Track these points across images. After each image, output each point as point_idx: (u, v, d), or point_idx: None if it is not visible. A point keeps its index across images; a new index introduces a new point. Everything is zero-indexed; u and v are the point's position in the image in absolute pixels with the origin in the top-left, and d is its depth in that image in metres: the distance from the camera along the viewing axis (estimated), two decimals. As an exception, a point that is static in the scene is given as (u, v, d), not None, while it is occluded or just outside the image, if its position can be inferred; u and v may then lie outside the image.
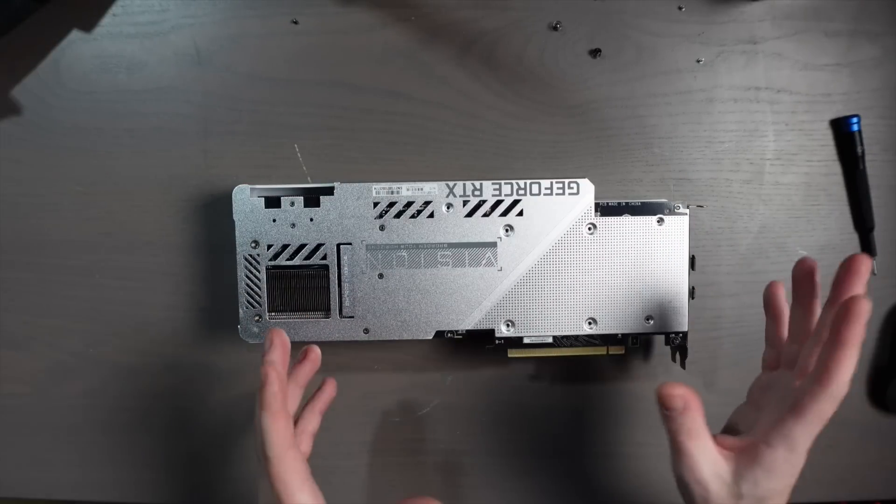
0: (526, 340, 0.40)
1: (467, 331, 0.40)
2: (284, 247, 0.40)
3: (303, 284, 0.40)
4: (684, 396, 0.31)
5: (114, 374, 0.45)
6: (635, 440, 0.45)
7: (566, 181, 0.40)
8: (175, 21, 0.43)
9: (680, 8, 0.43)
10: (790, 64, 0.43)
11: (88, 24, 0.43)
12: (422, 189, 0.40)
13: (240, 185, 0.40)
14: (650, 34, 0.43)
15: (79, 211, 0.44)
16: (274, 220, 0.40)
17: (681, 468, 0.31)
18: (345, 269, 0.40)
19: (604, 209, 0.40)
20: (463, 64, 0.43)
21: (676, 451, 0.31)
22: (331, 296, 0.40)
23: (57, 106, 0.43)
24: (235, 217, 0.40)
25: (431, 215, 0.40)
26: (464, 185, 0.40)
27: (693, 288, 0.41)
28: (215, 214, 0.44)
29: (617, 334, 0.41)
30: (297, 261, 0.40)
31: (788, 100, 0.44)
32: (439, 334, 0.40)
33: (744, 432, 0.33)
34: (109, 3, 0.43)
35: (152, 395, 0.45)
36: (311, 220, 0.40)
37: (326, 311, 0.40)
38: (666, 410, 0.31)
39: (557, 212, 0.40)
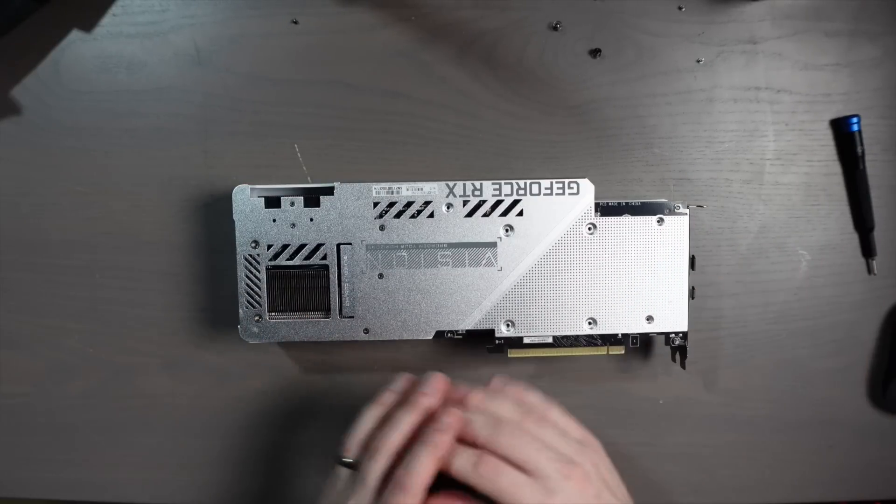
0: (526, 340, 0.40)
1: (467, 331, 0.40)
2: (284, 247, 0.40)
3: (303, 284, 0.40)
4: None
5: (114, 374, 0.45)
6: (635, 440, 0.45)
7: (566, 181, 0.40)
8: (175, 21, 0.43)
9: (680, 8, 0.43)
10: (790, 64, 0.43)
11: (88, 24, 0.43)
12: (422, 189, 0.40)
13: (240, 185, 0.40)
14: (650, 34, 0.43)
15: (79, 211, 0.44)
16: (274, 220, 0.40)
17: None
18: (345, 269, 0.40)
19: (604, 209, 0.40)
20: (463, 64, 0.43)
21: None
22: (331, 296, 0.40)
23: (57, 106, 0.43)
24: (235, 217, 0.40)
25: (431, 215, 0.40)
26: (464, 185, 0.40)
27: (693, 288, 0.41)
28: (215, 214, 0.44)
29: (617, 334, 0.41)
30: (297, 261, 0.40)
31: (788, 100, 0.44)
32: (439, 334, 0.40)
33: None
34: (109, 3, 0.43)
35: (152, 395, 0.45)
36: (311, 220, 0.40)
37: (326, 311, 0.40)
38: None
39: (557, 212, 0.40)
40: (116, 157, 0.44)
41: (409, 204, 0.40)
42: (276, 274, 0.40)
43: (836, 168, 0.44)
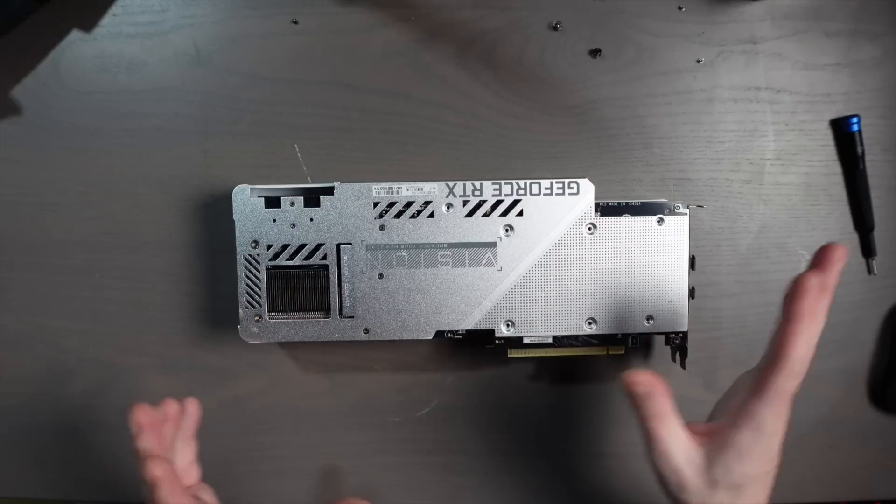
0: (526, 340, 0.40)
1: (467, 331, 0.40)
2: (284, 247, 0.40)
3: (303, 284, 0.40)
4: (647, 382, 0.31)
5: (114, 374, 0.45)
6: (635, 440, 0.45)
7: (566, 181, 0.40)
8: (175, 21, 0.43)
9: (680, 8, 0.43)
10: (790, 64, 0.43)
11: (88, 24, 0.43)
12: (422, 189, 0.40)
13: (240, 185, 0.40)
14: (650, 34, 0.43)
15: (79, 211, 0.44)
16: (274, 220, 0.40)
17: (655, 456, 0.31)
18: (345, 269, 0.40)
19: (604, 209, 0.40)
20: (463, 64, 0.43)
21: (648, 439, 0.31)
22: (331, 296, 0.40)
23: (57, 106, 0.43)
24: (235, 217, 0.40)
25: (431, 215, 0.40)
26: (464, 185, 0.40)
27: (693, 288, 0.41)
28: (215, 214, 0.44)
29: (617, 334, 0.41)
30: (297, 261, 0.40)
31: (788, 100, 0.44)
32: (439, 334, 0.40)
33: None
34: (109, 3, 0.43)
35: (152, 395, 0.45)
36: (311, 220, 0.40)
37: (326, 311, 0.40)
38: (632, 397, 0.31)
39: (557, 212, 0.40)
40: (116, 157, 0.44)
41: (409, 204, 0.40)
42: (276, 274, 0.40)
43: (836, 168, 0.44)
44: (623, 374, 0.31)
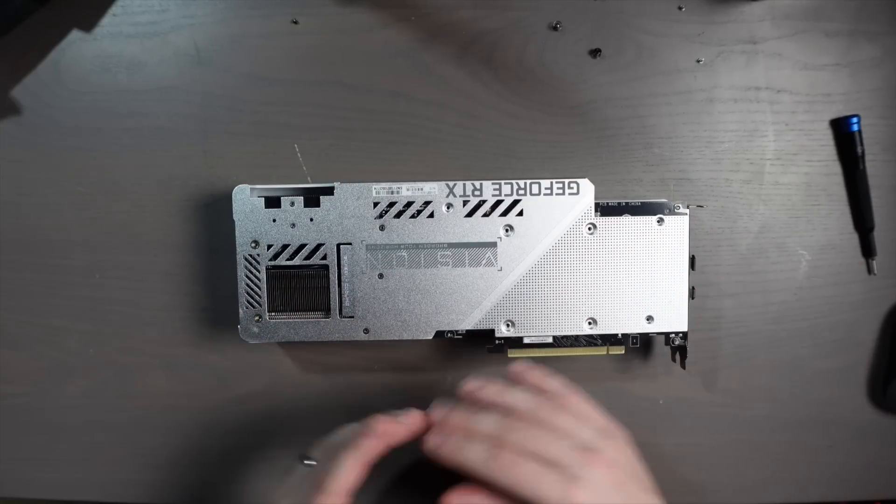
0: (526, 340, 0.40)
1: (467, 331, 0.40)
2: (284, 247, 0.40)
3: (303, 284, 0.40)
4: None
5: (114, 374, 0.45)
6: (635, 440, 0.45)
7: (566, 181, 0.40)
8: (175, 21, 0.43)
9: (680, 8, 0.43)
10: (790, 64, 0.43)
11: (88, 24, 0.43)
12: (422, 189, 0.40)
13: (240, 185, 0.40)
14: (650, 34, 0.43)
15: (79, 211, 0.44)
16: (274, 220, 0.40)
17: None
18: (345, 269, 0.40)
19: (604, 209, 0.40)
20: (463, 64, 0.43)
21: None
22: (331, 296, 0.40)
23: (57, 106, 0.43)
24: (235, 217, 0.40)
25: (431, 215, 0.40)
26: (464, 185, 0.40)
27: (693, 288, 0.41)
28: (215, 214, 0.44)
29: (617, 334, 0.41)
30: (297, 261, 0.40)
31: (788, 100, 0.44)
32: (439, 334, 0.40)
33: None
34: (109, 3, 0.43)
35: (152, 395, 0.45)
36: (311, 220, 0.40)
37: (326, 311, 0.40)
38: None
39: (557, 212, 0.40)
40: (116, 157, 0.44)
41: (409, 204, 0.40)
42: (276, 274, 0.40)
43: (836, 168, 0.44)
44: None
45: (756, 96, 0.44)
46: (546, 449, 0.31)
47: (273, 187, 0.40)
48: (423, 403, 0.45)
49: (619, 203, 0.40)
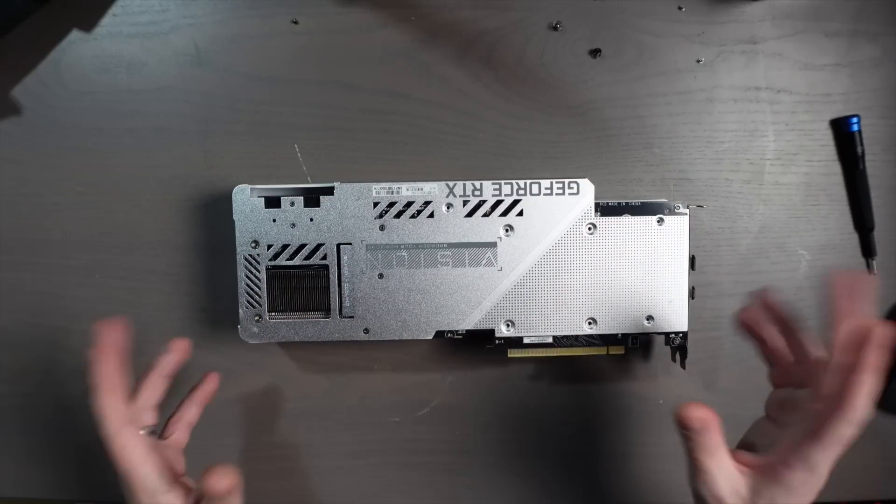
0: (526, 340, 0.40)
1: (467, 331, 0.40)
2: (284, 247, 0.40)
3: (303, 284, 0.40)
4: (703, 418, 0.31)
5: (114, 374, 0.45)
6: (635, 440, 0.45)
7: (566, 181, 0.40)
8: (175, 21, 0.43)
9: (680, 8, 0.43)
10: (790, 64, 0.43)
11: (88, 24, 0.43)
12: (422, 189, 0.40)
13: (240, 185, 0.40)
14: (650, 34, 0.43)
15: (79, 211, 0.44)
16: (274, 220, 0.40)
17: (698, 484, 0.32)
18: (345, 269, 0.40)
19: (604, 209, 0.40)
20: (463, 64, 0.43)
21: (694, 468, 0.32)
22: (331, 296, 0.40)
23: (57, 106, 0.43)
24: (235, 217, 0.40)
25: (431, 215, 0.40)
26: (464, 185, 0.40)
27: (693, 288, 0.41)
28: (215, 214, 0.44)
29: (617, 334, 0.41)
30: (297, 261, 0.40)
31: (788, 100, 0.44)
32: (439, 334, 0.40)
33: (761, 449, 0.33)
34: (109, 3, 0.43)
35: (152, 395, 0.45)
36: (311, 220, 0.40)
37: (326, 311, 0.40)
38: (685, 431, 0.31)
39: (557, 212, 0.40)
40: (116, 157, 0.44)
41: (409, 204, 0.40)
42: (276, 274, 0.40)
43: (836, 168, 0.44)
44: (678, 406, 0.32)
45: (756, 96, 0.44)
46: None
47: (273, 187, 0.40)
48: (423, 403, 0.45)
49: (619, 203, 0.40)
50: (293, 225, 0.40)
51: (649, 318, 0.40)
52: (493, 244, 0.40)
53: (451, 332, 0.40)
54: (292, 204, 0.40)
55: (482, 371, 0.45)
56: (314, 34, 0.43)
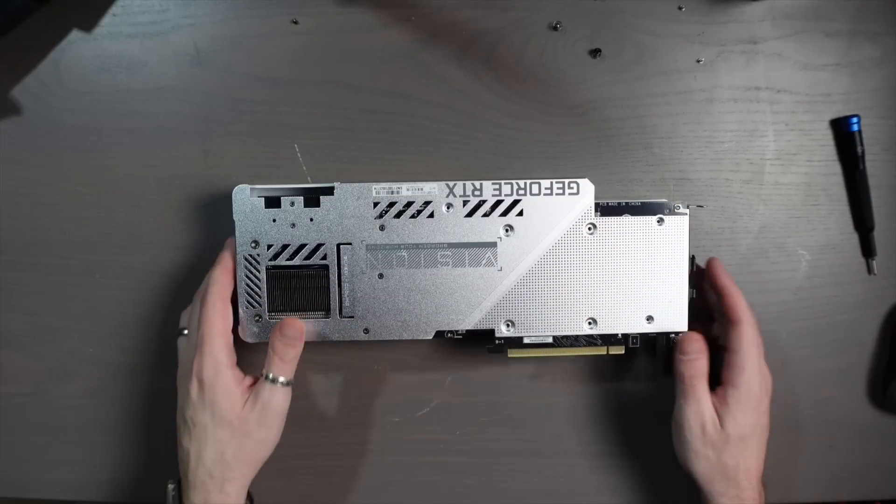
0: (526, 340, 0.40)
1: (467, 331, 0.40)
2: (284, 247, 0.40)
3: (303, 284, 0.40)
4: (700, 349, 0.38)
5: (114, 374, 0.45)
6: (635, 440, 0.45)
7: (566, 181, 0.40)
8: (175, 21, 0.43)
9: (680, 8, 0.43)
10: (790, 64, 0.43)
11: (88, 24, 0.43)
12: (422, 189, 0.40)
13: (240, 185, 0.40)
14: (650, 34, 0.43)
15: (79, 211, 0.44)
16: (274, 220, 0.40)
17: (686, 412, 0.38)
18: (345, 269, 0.40)
19: (604, 209, 0.40)
20: (463, 64, 0.43)
21: (686, 394, 0.38)
22: (331, 296, 0.40)
23: (57, 106, 0.43)
24: (235, 217, 0.40)
25: (431, 215, 0.40)
26: (464, 185, 0.40)
27: (694, 289, 0.41)
28: (215, 214, 0.44)
29: (617, 334, 0.41)
30: (297, 261, 0.40)
31: (788, 100, 0.44)
32: (439, 334, 0.40)
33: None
34: (109, 3, 0.43)
35: (152, 395, 0.45)
36: (311, 220, 0.40)
37: (326, 311, 0.40)
38: (683, 355, 0.38)
39: (557, 212, 0.40)
40: (116, 157, 0.44)
41: (409, 204, 0.40)
42: (276, 274, 0.40)
43: (836, 168, 0.44)
44: (679, 337, 0.40)
45: (756, 96, 0.44)
46: None
47: (273, 187, 0.40)
48: (423, 403, 0.45)
49: (619, 203, 0.40)
50: (293, 225, 0.40)
51: (649, 317, 0.40)
52: (493, 244, 0.40)
53: (451, 332, 0.40)
54: (292, 204, 0.40)
55: (482, 371, 0.45)
56: (314, 34, 0.43)
